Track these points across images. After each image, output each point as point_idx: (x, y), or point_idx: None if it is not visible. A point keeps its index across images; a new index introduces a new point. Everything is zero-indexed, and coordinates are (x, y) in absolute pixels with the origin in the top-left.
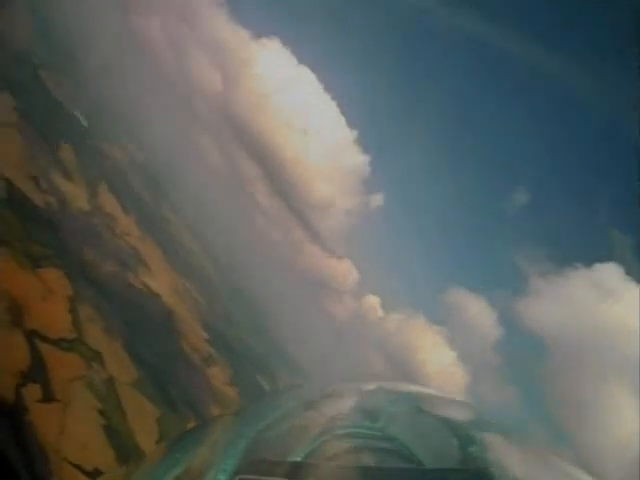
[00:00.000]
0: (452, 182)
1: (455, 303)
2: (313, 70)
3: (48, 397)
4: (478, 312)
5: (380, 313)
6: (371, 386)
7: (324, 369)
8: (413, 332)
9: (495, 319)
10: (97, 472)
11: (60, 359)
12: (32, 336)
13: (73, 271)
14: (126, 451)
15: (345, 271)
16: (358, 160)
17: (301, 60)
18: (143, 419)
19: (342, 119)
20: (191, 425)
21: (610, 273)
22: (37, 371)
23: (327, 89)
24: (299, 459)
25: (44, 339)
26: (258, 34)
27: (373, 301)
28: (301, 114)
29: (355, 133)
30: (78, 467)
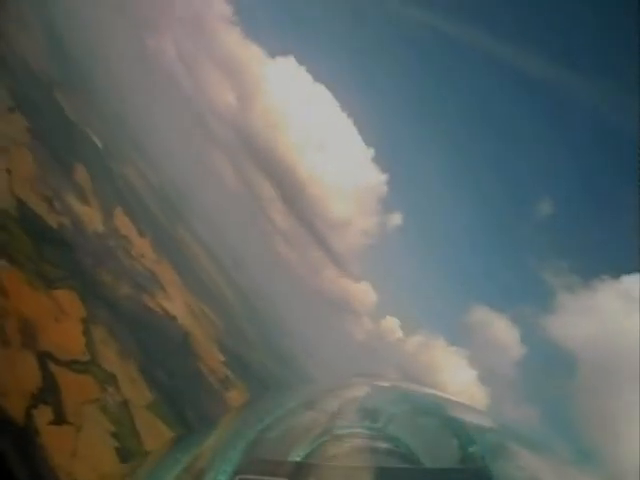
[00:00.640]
0: (472, 199)
1: (477, 322)
2: (329, 88)
3: (60, 419)
4: (501, 330)
5: (399, 334)
6: (372, 386)
7: None
8: (433, 353)
9: (518, 336)
10: None
11: (73, 381)
12: (44, 357)
13: (87, 292)
14: None
15: (363, 293)
16: (375, 179)
17: (317, 78)
18: (157, 441)
19: (359, 137)
20: None
21: (638, 284)
22: (49, 393)
23: (343, 107)
24: (299, 459)
25: (56, 361)
26: (273, 52)
27: (392, 323)
28: (317, 132)
29: (372, 151)
30: None
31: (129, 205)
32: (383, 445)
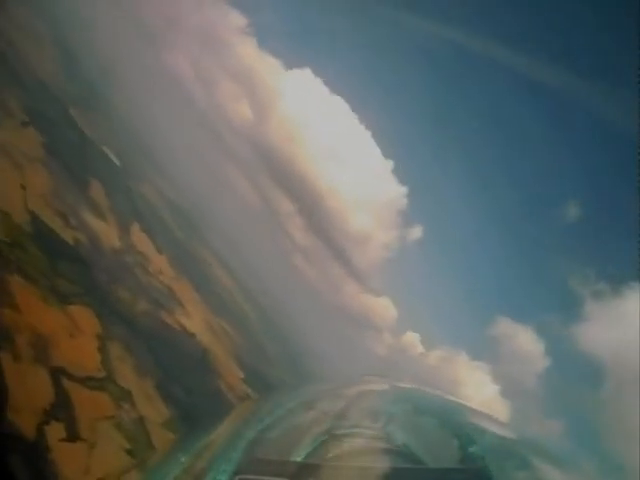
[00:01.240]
0: (491, 209)
1: (500, 334)
2: (346, 100)
3: (73, 436)
4: (525, 343)
5: (420, 349)
6: (372, 386)
7: None
8: (454, 368)
9: (543, 348)
10: None
11: (87, 398)
12: (57, 373)
13: (103, 309)
14: None
15: (384, 307)
16: (395, 191)
17: (334, 90)
18: None
19: (377, 150)
20: None
21: None
22: (61, 409)
23: (361, 119)
24: (300, 459)
25: (70, 377)
26: (289, 64)
27: (413, 338)
28: (335, 145)
29: (391, 164)
30: None
31: (146, 221)
32: (383, 445)
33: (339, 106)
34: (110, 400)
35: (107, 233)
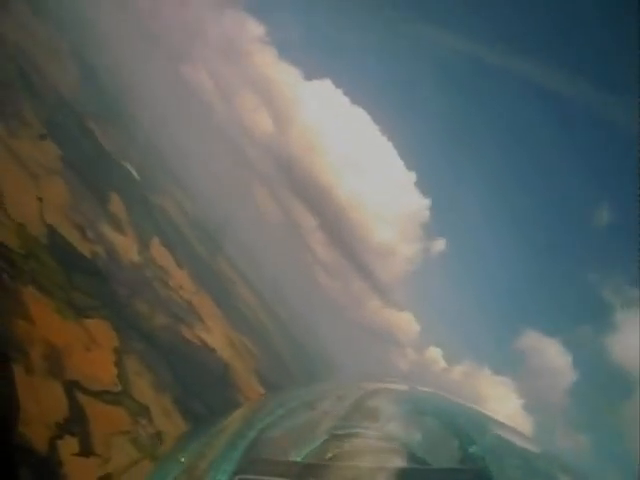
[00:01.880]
0: (515, 218)
1: (525, 348)
2: (368, 112)
3: (87, 451)
4: (552, 356)
5: (443, 364)
6: (372, 386)
7: None
8: (478, 383)
9: (570, 360)
10: None
11: (102, 412)
12: (71, 387)
13: (121, 323)
14: None
15: (406, 322)
16: (417, 204)
17: (354, 101)
18: None
19: (400, 162)
20: None
21: None
22: (75, 423)
23: (383, 131)
24: (299, 459)
25: (85, 391)
26: (309, 75)
27: (435, 353)
28: (357, 157)
29: (414, 175)
30: None
31: (166, 235)
32: (383, 445)
33: (360, 117)
34: (126, 415)
35: (126, 247)
